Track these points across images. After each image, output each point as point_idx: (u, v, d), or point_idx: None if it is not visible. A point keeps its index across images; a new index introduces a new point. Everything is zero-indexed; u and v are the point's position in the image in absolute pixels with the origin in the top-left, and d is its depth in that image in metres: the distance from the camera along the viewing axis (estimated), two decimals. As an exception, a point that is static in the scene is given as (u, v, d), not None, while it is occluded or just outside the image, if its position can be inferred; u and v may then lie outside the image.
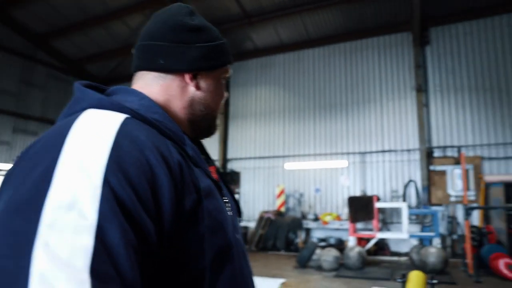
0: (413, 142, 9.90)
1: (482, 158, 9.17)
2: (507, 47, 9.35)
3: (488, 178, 8.60)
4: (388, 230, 9.77)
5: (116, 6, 10.92)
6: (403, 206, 8.20)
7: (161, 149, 0.64)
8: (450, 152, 9.55)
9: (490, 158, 9.10)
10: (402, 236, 8.09)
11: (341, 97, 11.01)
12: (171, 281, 0.63)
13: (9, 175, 0.57)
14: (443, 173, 9.40)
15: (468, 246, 6.75)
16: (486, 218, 8.68)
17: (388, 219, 9.90)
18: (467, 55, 9.70)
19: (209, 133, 0.95)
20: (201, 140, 0.96)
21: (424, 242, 8.32)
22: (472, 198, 8.84)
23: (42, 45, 12.91)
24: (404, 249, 9.15)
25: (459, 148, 9.40)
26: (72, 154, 0.55)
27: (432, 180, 9.51)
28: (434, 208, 9.22)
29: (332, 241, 9.66)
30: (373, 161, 10.33)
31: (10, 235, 0.47)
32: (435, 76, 9.96)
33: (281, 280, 6.62)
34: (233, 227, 0.80)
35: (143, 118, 0.68)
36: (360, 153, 10.48)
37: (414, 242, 8.47)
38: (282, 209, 10.85)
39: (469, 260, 6.68)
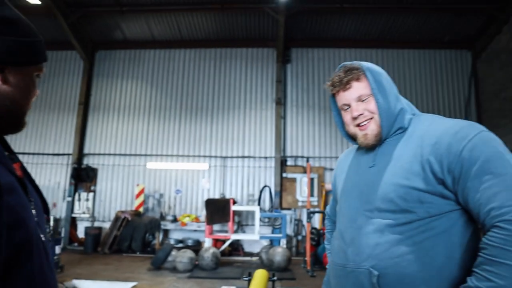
0: (270, 150, 10.76)
1: (325, 169, 10.54)
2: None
3: (328, 186, 9.91)
4: (244, 232, 10.34)
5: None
6: (256, 209, 8.82)
7: None
8: (300, 162, 10.71)
9: (331, 169, 10.52)
10: (254, 237, 8.68)
11: (207, 101, 11.25)
12: None
13: None
14: (293, 180, 10.47)
15: (308, 245, 7.66)
16: (324, 221, 9.99)
17: (244, 221, 10.49)
18: (319, 77, 11.09)
19: (15, 129, 0.90)
20: (4, 136, 0.89)
21: (274, 242, 9.06)
22: (315, 203, 10.08)
23: None
24: (257, 249, 9.78)
25: (307, 158, 10.62)
26: None
27: (284, 186, 10.49)
28: (284, 211, 10.17)
29: (189, 242, 9.73)
30: (233, 166, 10.82)
31: None
32: (293, 92, 11.08)
33: (133, 283, 6.37)
34: (37, 225, 0.79)
35: None
36: (221, 157, 10.86)
37: (265, 243, 9.15)
38: (141, 210, 10.46)
39: (308, 257, 7.57)
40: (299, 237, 9.96)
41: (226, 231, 9.49)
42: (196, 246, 9.36)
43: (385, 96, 1.27)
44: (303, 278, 6.90)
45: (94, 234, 9.72)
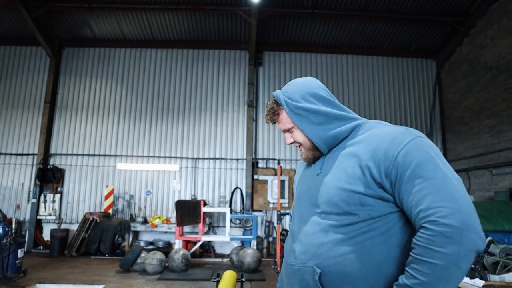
0: (242, 152, 10.84)
1: (296, 171, 10.69)
2: (318, 79, 11.17)
3: (299, 188, 10.09)
4: (215, 233, 10.36)
5: None
6: (226, 211, 8.87)
7: None
8: (271, 164, 10.85)
9: (302, 171, 10.70)
10: (224, 239, 8.73)
11: (179, 102, 11.19)
12: None
13: None
14: (265, 182, 10.59)
15: (278, 246, 7.77)
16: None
17: (215, 223, 10.51)
18: (289, 80, 11.23)
19: None
20: None
21: (245, 244, 9.14)
22: (286, 205, 10.24)
23: None
24: (228, 251, 9.79)
25: (278, 161, 10.78)
26: None
27: (256, 188, 10.60)
28: (255, 213, 10.28)
29: (160, 244, 9.65)
30: (204, 167, 10.82)
31: None
32: (265, 95, 11.21)
33: (100, 287, 6.28)
34: None
35: None
36: (192, 158, 10.84)
37: (237, 244, 9.21)
38: (110, 211, 10.28)
39: (278, 259, 7.68)
40: (270, 239, 10.08)
41: (197, 233, 9.48)
42: (167, 248, 9.30)
43: (311, 124, 1.35)
44: (273, 279, 7.00)
45: (61, 236, 9.46)
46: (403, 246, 1.21)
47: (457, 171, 9.91)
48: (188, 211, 8.58)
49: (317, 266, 1.25)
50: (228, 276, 4.21)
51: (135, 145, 10.94)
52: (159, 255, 7.33)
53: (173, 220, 9.92)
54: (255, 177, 10.61)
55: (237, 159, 10.80)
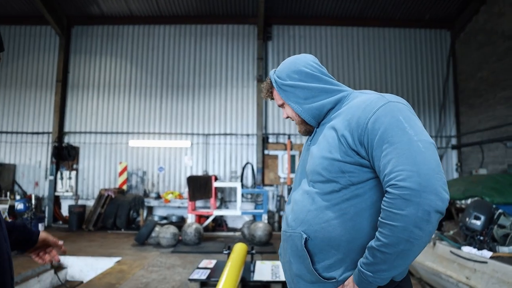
0: (252, 128, 10.87)
1: (306, 145, 10.72)
2: (329, 54, 11.17)
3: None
4: (227, 208, 10.56)
5: None
6: (237, 185, 9.00)
7: None
8: (282, 139, 10.87)
9: (312, 146, 10.72)
10: (236, 213, 8.90)
11: (188, 79, 11.18)
12: None
13: None
14: (275, 157, 10.65)
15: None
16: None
17: (227, 197, 10.69)
18: (298, 54, 11.09)
19: None
20: None
21: (256, 218, 9.31)
22: (296, 179, 10.31)
23: None
24: (240, 225, 10.03)
25: (289, 136, 10.78)
26: None
27: (266, 163, 10.68)
28: (266, 188, 10.40)
29: (174, 219, 9.89)
30: (215, 143, 10.92)
31: None
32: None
33: (117, 259, 6.53)
34: None
35: None
36: (203, 134, 10.92)
37: (248, 218, 9.39)
38: (124, 187, 10.53)
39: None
40: (281, 213, 10.24)
41: (209, 207, 9.68)
42: (180, 222, 9.54)
43: (297, 99, 1.45)
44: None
45: (78, 212, 9.77)
46: None
47: (471, 144, 9.87)
48: (200, 186, 8.73)
49: (305, 232, 1.34)
50: (239, 249, 4.35)
51: (146, 122, 11.06)
52: (172, 229, 7.54)
53: (186, 195, 10.11)
54: (266, 152, 10.67)
55: (248, 135, 10.85)
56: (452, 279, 4.52)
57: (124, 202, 9.62)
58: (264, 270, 4.73)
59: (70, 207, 9.88)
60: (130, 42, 11.40)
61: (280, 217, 10.18)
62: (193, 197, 8.59)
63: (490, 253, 4.37)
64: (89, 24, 11.44)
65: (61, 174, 10.68)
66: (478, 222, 4.80)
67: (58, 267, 6.50)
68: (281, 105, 1.54)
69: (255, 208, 10.19)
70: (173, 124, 11.01)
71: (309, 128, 1.51)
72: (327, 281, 1.31)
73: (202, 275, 4.49)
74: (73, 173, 10.78)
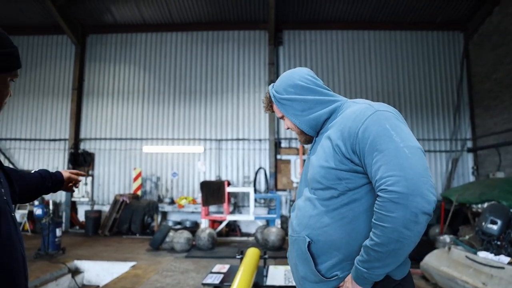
0: (264, 133, 10.91)
1: (318, 150, 10.69)
2: (341, 58, 11.16)
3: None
4: (240, 213, 10.59)
5: None
6: (250, 190, 9.03)
7: None
8: (294, 144, 10.88)
9: (325, 150, 10.69)
10: (249, 218, 8.92)
11: (201, 85, 11.30)
12: None
13: None
14: (288, 162, 10.66)
15: (301, 225, 7.87)
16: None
17: (240, 202, 10.73)
18: (311, 59, 11.16)
19: None
20: None
21: (269, 223, 9.32)
22: (309, 184, 10.29)
23: None
24: (253, 230, 10.04)
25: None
26: None
27: (279, 167, 10.69)
28: (279, 193, 10.41)
29: (187, 224, 9.98)
30: (228, 148, 10.98)
31: None
32: (285, 74, 11.13)
33: (132, 263, 6.62)
34: (4, 201, 1.01)
35: None
36: (216, 140, 11.01)
37: (261, 223, 9.40)
38: (139, 193, 10.67)
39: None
40: (294, 217, 10.20)
41: (222, 213, 9.72)
42: (194, 228, 9.62)
43: (295, 112, 1.55)
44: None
45: (94, 217, 9.94)
46: None
47: (487, 147, 9.70)
48: (213, 191, 8.79)
49: (308, 236, 1.45)
50: (252, 253, 4.37)
51: (160, 128, 11.20)
52: (186, 234, 7.61)
53: (199, 200, 10.19)
54: (278, 157, 10.69)
55: (260, 140, 10.90)
56: (468, 285, 4.46)
57: (139, 207, 9.75)
58: (277, 274, 4.73)
59: (86, 212, 10.06)
60: (143, 50, 11.60)
61: (293, 221, 10.13)
62: (206, 202, 8.66)
63: (508, 259, 4.30)
64: (103, 33, 11.68)
65: (77, 180, 10.85)
66: (495, 227, 4.73)
67: (75, 272, 6.63)
68: (281, 117, 1.64)
69: (268, 213, 10.19)
70: (186, 129, 11.13)
71: (308, 138, 1.62)
72: (329, 280, 1.40)
73: (215, 279, 4.52)
74: (89, 179, 10.99)
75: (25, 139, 11.31)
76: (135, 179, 10.75)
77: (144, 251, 7.62)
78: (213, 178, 10.75)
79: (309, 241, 1.43)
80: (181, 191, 10.94)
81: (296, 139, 10.80)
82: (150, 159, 11.11)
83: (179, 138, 11.09)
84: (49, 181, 1.61)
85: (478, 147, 10.38)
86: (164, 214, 10.64)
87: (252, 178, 10.76)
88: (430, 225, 8.23)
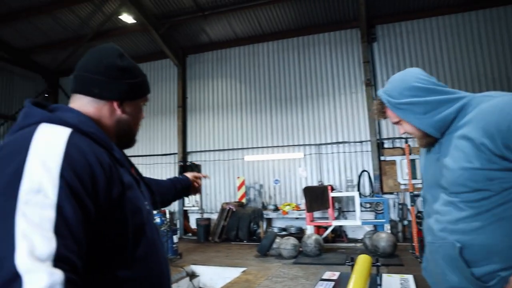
0: (365, 134, 10.42)
1: (427, 148, 9.80)
2: (444, 46, 10.10)
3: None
4: (345, 218, 10.25)
5: (62, -6, 10.48)
6: (355, 195, 8.67)
7: (97, 154, 0.91)
8: (398, 143, 10.17)
9: (435, 148, 9.77)
10: (355, 223, 8.56)
11: (295, 91, 11.32)
12: (107, 243, 0.92)
13: None
14: (393, 163, 10.00)
15: (414, 230, 7.29)
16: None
17: (344, 207, 10.39)
18: (410, 52, 10.35)
19: (129, 145, 1.24)
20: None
21: (378, 228, 8.83)
22: (419, 185, 9.49)
23: (-17, 35, 12.12)
24: (360, 235, 9.61)
25: (406, 139, 10.02)
26: (37, 156, 0.79)
27: (384, 169, 10.09)
28: (386, 196, 9.81)
29: (292, 230, 10.00)
30: (328, 152, 10.76)
31: None
32: (382, 71, 10.53)
33: (242, 269, 6.83)
34: (147, 210, 1.10)
35: (83, 131, 0.94)
36: (315, 144, 10.87)
37: (369, 228, 8.95)
38: (243, 200, 11.05)
39: (415, 243, 7.21)
40: (405, 222, 9.51)
41: (327, 218, 9.52)
42: (299, 234, 9.59)
43: (416, 115, 1.43)
44: (412, 264, 6.61)
45: (204, 224, 10.58)
46: None
47: None
48: (317, 197, 8.67)
49: (458, 241, 1.33)
50: (363, 260, 4.14)
51: (259, 137, 11.51)
52: (292, 240, 7.60)
53: (303, 206, 10.14)
54: (382, 158, 10.11)
55: (361, 141, 10.44)
56: None
57: (244, 215, 10.11)
58: (393, 283, 4.43)
59: (197, 220, 10.78)
60: (237, 63, 12.11)
61: (404, 226, 9.45)
62: (310, 208, 8.57)
63: None
64: (200, 52, 12.54)
65: (187, 190, 11.73)
66: None
67: (192, 275, 7.10)
68: (397, 123, 1.56)
69: (376, 218, 9.65)
70: (285, 136, 11.23)
71: (431, 140, 1.51)
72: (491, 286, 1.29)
73: (327, 287, 4.39)
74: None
75: (142, 156, 12.62)
76: (239, 187, 11.17)
77: (253, 257, 7.82)
78: (314, 183, 10.61)
79: (460, 247, 1.32)
80: (284, 197, 11.04)
81: (400, 138, 10.10)
82: (252, 168, 11.46)
83: (279, 145, 11.25)
84: (179, 186, 1.80)
85: None
86: (269, 221, 10.83)
87: (355, 182, 10.35)
88: None
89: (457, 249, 1.32)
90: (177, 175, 11.31)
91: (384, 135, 10.29)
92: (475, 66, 9.87)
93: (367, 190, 10.23)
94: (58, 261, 0.69)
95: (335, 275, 5.07)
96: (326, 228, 9.03)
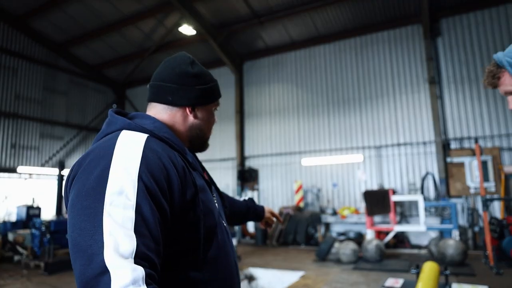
0: (429, 134, 9.88)
1: (501, 149, 9.06)
2: (520, 36, 9.26)
3: (507, 169, 8.50)
4: (408, 223, 9.78)
5: (130, 12, 11.28)
6: (419, 198, 8.22)
7: (171, 158, 0.96)
8: (467, 144, 9.49)
9: (510, 149, 8.99)
10: (419, 228, 8.11)
11: (353, 92, 11.05)
12: (180, 244, 0.97)
13: (74, 176, 0.89)
14: (461, 164, 9.35)
15: (487, 238, 6.73)
16: (507, 210, 8.59)
17: (407, 212, 9.92)
18: (480, 45, 9.59)
19: (202, 149, 1.27)
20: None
21: (444, 234, 8.32)
22: (492, 189, 8.79)
23: (62, 53, 13.42)
24: (425, 241, 9.16)
25: (476, 139, 9.32)
26: (119, 160, 0.87)
27: (450, 172, 9.47)
28: (453, 200, 9.19)
29: (351, 234, 9.75)
30: (389, 155, 10.34)
31: (84, 209, 0.79)
32: (448, 68, 9.90)
33: (301, 273, 6.79)
34: (218, 213, 1.14)
35: (158, 136, 1.02)
36: (375, 147, 10.51)
37: (434, 234, 8.46)
38: (301, 204, 11.00)
39: (489, 252, 6.65)
40: (476, 228, 8.82)
41: (388, 223, 9.16)
42: (358, 239, 9.33)
43: None
44: (486, 275, 6.11)
45: (262, 228, 10.69)
46: None
47: None
48: (377, 201, 8.38)
49: None
50: (430, 268, 3.93)
51: (316, 140, 11.41)
52: (352, 245, 7.42)
53: (362, 210, 9.87)
54: (448, 160, 9.49)
55: (424, 143, 9.91)
56: None
57: (302, 219, 10.05)
58: (464, 294, 4.13)
59: (255, 224, 10.92)
60: (293, 67, 12.13)
61: (475, 233, 8.77)
62: (371, 212, 8.30)
63: None
64: (257, 58, 12.75)
65: (246, 194, 11.98)
66: None
67: (250, 278, 7.20)
68: (511, 92, 1.29)
69: (442, 223, 9.09)
70: (343, 139, 11.02)
71: None
72: None
73: (389, 294, 4.23)
74: (255, 193, 11.94)
75: (202, 161, 13.06)
76: (297, 191, 11.14)
77: (311, 261, 7.74)
78: (374, 187, 10.26)
79: None
80: (342, 201, 10.80)
81: (469, 138, 9.41)
82: (310, 171, 11.37)
83: (337, 148, 11.05)
84: (252, 213, 1.80)
85: None
86: (327, 225, 10.66)
87: (418, 185, 9.83)
88: None
89: None
90: (235, 179, 11.56)
91: (451, 135, 9.67)
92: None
93: (431, 193, 9.67)
94: (139, 258, 0.75)
95: (398, 282, 4.86)
96: (387, 233, 8.68)
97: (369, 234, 8.36)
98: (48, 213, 11.89)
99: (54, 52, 13.21)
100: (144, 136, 0.97)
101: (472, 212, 8.90)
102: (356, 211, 10.04)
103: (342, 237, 9.56)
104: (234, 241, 7.94)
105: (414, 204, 9.60)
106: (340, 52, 11.43)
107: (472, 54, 9.65)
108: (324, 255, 7.70)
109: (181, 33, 11.82)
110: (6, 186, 11.87)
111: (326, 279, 6.27)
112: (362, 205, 10.05)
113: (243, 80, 12.95)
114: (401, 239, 9.38)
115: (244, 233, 11.77)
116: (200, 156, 13.19)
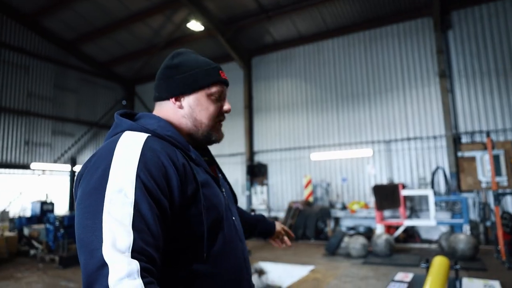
0: (439, 128, 9.79)
1: (512, 142, 8.95)
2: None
3: (519, 162, 8.39)
4: (418, 217, 9.74)
5: (138, 9, 11.33)
6: (429, 193, 8.18)
7: (170, 155, 0.99)
8: (478, 138, 9.39)
9: (522, 142, 8.88)
10: (429, 223, 8.08)
11: (362, 87, 10.98)
12: (184, 238, 1.00)
13: (80, 176, 0.95)
14: (472, 159, 9.26)
15: (499, 232, 6.68)
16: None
17: (417, 206, 9.88)
18: (493, 38, 9.44)
19: (208, 140, 1.25)
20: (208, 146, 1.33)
21: (455, 229, 8.27)
22: (504, 183, 8.70)
23: (72, 50, 13.56)
24: (435, 236, 9.12)
25: (487, 133, 9.22)
26: (119, 160, 0.91)
27: (461, 166, 9.39)
28: (464, 194, 9.13)
29: (361, 229, 9.76)
30: (398, 149, 10.29)
31: (87, 207, 0.85)
32: (459, 61, 9.77)
33: (311, 267, 6.83)
34: (227, 207, 1.15)
35: (159, 135, 1.05)
36: (385, 141, 10.46)
37: (444, 229, 8.42)
38: (310, 199, 11.02)
39: (501, 246, 6.60)
40: (488, 223, 8.75)
41: (398, 217, 9.14)
42: (368, 233, 9.33)
43: None
44: (497, 270, 6.07)
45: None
46: None
47: None
48: (387, 195, 8.37)
49: None
50: (439, 263, 3.92)
51: (325, 135, 11.39)
52: (361, 239, 7.42)
53: (371, 205, 9.85)
54: (459, 154, 9.41)
55: (435, 137, 9.83)
56: None
57: (312, 213, 10.07)
58: (475, 288, 4.12)
59: (265, 219, 10.95)
60: (302, 62, 12.08)
61: (486, 228, 8.71)
62: (380, 206, 8.29)
63: None
64: (265, 53, 12.73)
65: (255, 189, 12.03)
66: None
67: (260, 272, 7.26)
68: None
69: (452, 218, 9.03)
70: (352, 133, 10.98)
71: None
72: None
73: (399, 289, 4.25)
74: (264, 188, 11.99)
75: (212, 156, 13.16)
76: (306, 186, 11.16)
77: (321, 256, 7.77)
78: (384, 181, 10.23)
79: None
80: (352, 195, 10.79)
81: (480, 132, 9.31)
82: (319, 166, 11.37)
83: (346, 143, 11.02)
84: (262, 227, 1.73)
85: None
86: (337, 220, 10.66)
87: (428, 180, 9.78)
88: None
89: None
90: (244, 174, 11.62)
91: (462, 129, 9.58)
92: None
93: (442, 188, 9.61)
94: (136, 252, 0.79)
95: (408, 276, 4.87)
96: (397, 227, 8.67)
97: (379, 229, 8.35)
98: (61, 208, 12.11)
99: (64, 50, 13.36)
100: (144, 136, 1.00)
101: (484, 207, 8.82)
102: (366, 206, 10.03)
103: (351, 232, 9.57)
104: (244, 236, 8.03)
105: (424, 198, 9.55)
106: (349, 46, 11.35)
107: (484, 46, 9.50)
108: (333, 250, 7.72)
109: (189, 29, 11.84)
110: (20, 182, 12.11)
111: (336, 273, 6.30)
112: (371, 200, 10.01)
113: (251, 75, 12.95)
114: (411, 234, 9.36)
115: (254, 227, 11.82)
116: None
